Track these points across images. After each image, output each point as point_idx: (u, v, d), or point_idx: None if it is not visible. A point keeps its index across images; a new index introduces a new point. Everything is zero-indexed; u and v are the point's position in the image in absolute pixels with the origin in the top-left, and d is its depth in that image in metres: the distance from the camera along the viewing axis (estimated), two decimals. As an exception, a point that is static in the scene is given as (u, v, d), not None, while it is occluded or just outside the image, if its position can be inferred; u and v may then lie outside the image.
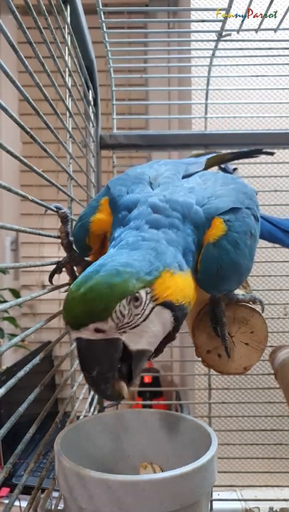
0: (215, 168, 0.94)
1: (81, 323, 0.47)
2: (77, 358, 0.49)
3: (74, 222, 0.73)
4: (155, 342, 0.53)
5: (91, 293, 0.47)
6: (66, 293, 0.51)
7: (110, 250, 0.54)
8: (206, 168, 0.78)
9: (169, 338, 0.56)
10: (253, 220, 0.65)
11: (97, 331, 0.47)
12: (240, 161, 1.02)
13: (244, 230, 0.61)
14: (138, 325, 0.50)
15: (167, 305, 0.53)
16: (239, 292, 0.71)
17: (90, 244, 0.65)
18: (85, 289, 0.47)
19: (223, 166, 0.97)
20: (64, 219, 0.69)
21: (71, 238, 0.69)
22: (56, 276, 0.69)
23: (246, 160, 1.16)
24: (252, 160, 1.57)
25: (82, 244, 0.66)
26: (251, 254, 0.65)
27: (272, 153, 0.95)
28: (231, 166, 1.00)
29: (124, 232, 0.56)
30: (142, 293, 0.50)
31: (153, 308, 0.51)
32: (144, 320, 0.51)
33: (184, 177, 0.68)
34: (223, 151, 0.88)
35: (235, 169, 0.93)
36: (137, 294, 0.49)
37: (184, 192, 0.61)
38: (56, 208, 0.68)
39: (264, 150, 0.94)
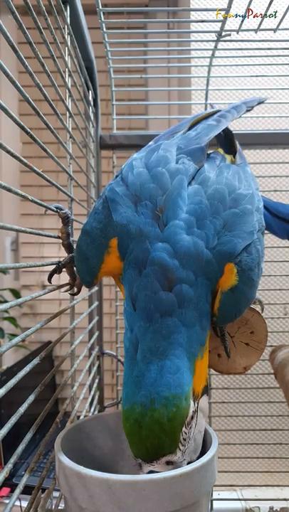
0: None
1: (153, 459, 0.50)
2: None
3: (74, 223, 0.73)
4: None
5: (156, 428, 0.48)
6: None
7: (138, 357, 0.51)
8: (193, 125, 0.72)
9: None
10: (261, 238, 0.61)
11: (168, 463, 0.50)
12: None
13: (257, 262, 0.58)
14: (191, 434, 0.52)
15: (204, 392, 0.55)
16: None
17: (95, 282, 0.63)
18: (148, 423, 0.49)
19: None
20: (65, 219, 0.69)
21: (72, 239, 0.69)
22: (56, 276, 0.69)
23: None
24: (251, 160, 1.57)
25: (88, 283, 0.63)
26: (260, 273, 0.61)
27: (263, 101, 0.86)
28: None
29: (136, 324, 0.52)
30: (192, 405, 0.51)
31: (197, 406, 0.53)
32: (195, 425, 0.53)
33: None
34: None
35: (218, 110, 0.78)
36: (190, 412, 0.51)
37: (192, 228, 0.55)
38: (57, 208, 0.67)
39: (257, 102, 0.84)
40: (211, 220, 0.56)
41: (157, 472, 0.48)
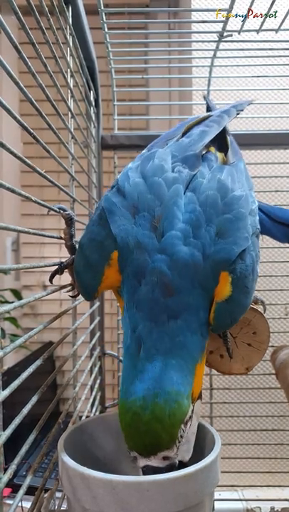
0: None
1: (150, 454, 0.50)
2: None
3: (76, 223, 0.73)
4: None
5: (156, 423, 0.49)
6: (118, 408, 0.53)
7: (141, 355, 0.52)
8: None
9: None
10: (256, 242, 0.61)
11: (165, 458, 0.50)
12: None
13: (252, 268, 0.57)
14: (186, 434, 0.52)
15: (200, 396, 0.56)
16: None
17: (96, 296, 0.63)
18: (148, 418, 0.49)
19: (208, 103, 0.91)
20: (68, 221, 0.68)
21: (74, 240, 0.69)
22: (57, 276, 0.69)
23: (246, 161, 1.16)
24: (252, 160, 1.57)
25: (89, 297, 0.63)
26: (256, 278, 0.61)
27: (251, 103, 0.87)
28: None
29: (141, 324, 0.53)
30: (191, 406, 0.52)
31: (193, 409, 0.53)
32: (190, 426, 0.53)
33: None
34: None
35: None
36: (189, 412, 0.51)
37: (189, 238, 0.55)
38: (60, 209, 0.67)
39: (247, 104, 0.84)
40: (205, 228, 0.56)
41: (156, 467, 0.49)
